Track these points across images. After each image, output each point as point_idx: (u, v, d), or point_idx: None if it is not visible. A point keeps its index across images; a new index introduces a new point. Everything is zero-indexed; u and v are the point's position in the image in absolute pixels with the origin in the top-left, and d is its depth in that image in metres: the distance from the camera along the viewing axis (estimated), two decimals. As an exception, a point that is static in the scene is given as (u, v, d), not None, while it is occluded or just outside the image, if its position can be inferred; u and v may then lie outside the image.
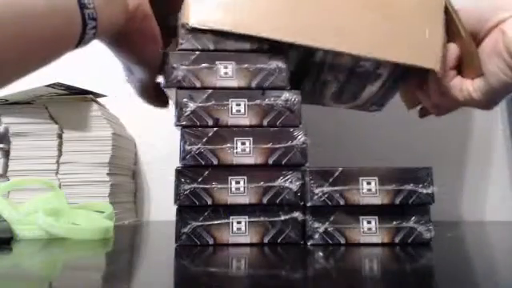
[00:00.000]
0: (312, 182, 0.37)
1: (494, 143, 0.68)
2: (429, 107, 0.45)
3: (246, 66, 0.38)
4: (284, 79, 0.38)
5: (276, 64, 0.38)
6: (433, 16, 0.40)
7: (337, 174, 0.37)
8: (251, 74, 0.38)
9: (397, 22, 0.39)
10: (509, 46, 0.37)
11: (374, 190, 0.37)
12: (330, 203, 0.37)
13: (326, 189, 0.37)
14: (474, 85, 0.40)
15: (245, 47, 0.38)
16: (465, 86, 0.41)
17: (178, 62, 0.38)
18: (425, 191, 0.37)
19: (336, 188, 0.37)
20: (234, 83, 0.38)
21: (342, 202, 0.37)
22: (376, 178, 0.37)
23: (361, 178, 0.37)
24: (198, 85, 0.38)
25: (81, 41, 0.29)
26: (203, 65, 0.38)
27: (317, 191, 0.37)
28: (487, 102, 0.41)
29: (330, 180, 0.37)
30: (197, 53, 0.38)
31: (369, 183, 0.37)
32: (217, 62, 0.38)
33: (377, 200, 0.37)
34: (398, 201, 0.37)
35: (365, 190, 0.37)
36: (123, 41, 0.35)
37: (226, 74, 0.38)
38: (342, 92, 0.49)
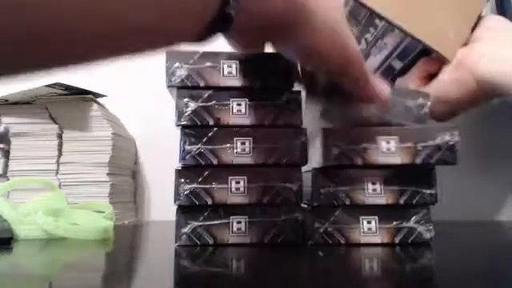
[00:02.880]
0: (318, 181, 0.37)
1: (493, 142, 0.68)
2: None
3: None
4: (288, 78, 0.38)
5: (280, 63, 0.38)
6: (467, 16, 0.41)
7: (342, 174, 0.37)
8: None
9: (434, 7, 0.40)
10: (473, 67, 0.36)
11: (378, 190, 0.37)
12: (335, 203, 0.37)
13: (331, 189, 0.37)
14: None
15: None
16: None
17: (182, 60, 0.38)
18: (428, 191, 0.37)
19: (341, 188, 0.37)
20: (237, 82, 0.38)
21: (347, 202, 0.37)
22: (381, 179, 0.37)
23: (366, 179, 0.37)
24: (202, 84, 0.38)
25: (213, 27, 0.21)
26: (207, 64, 0.38)
27: (322, 191, 0.37)
28: (440, 112, 0.41)
29: (336, 180, 0.37)
30: (200, 52, 0.38)
31: (374, 183, 0.37)
32: (221, 61, 0.38)
33: (381, 200, 0.37)
34: (402, 201, 0.37)
35: (370, 191, 0.37)
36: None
37: (230, 73, 0.38)
38: None
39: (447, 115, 0.42)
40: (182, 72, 0.38)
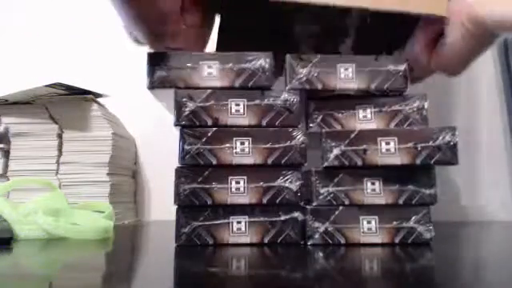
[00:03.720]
0: (317, 182, 0.37)
1: (494, 143, 0.68)
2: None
3: (229, 65, 0.38)
4: (268, 79, 0.38)
5: (259, 63, 0.38)
6: None
7: (341, 174, 0.37)
8: (235, 73, 0.38)
9: None
10: (469, 12, 0.35)
11: (378, 190, 0.37)
12: (334, 203, 0.37)
13: (331, 189, 0.37)
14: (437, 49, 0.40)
15: None
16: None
17: (162, 62, 0.38)
18: (428, 191, 0.37)
19: (341, 188, 0.37)
20: (217, 83, 0.38)
21: (346, 202, 0.37)
22: (380, 179, 0.37)
23: (365, 179, 0.37)
24: (182, 85, 0.38)
25: None
26: (187, 65, 0.38)
27: (322, 191, 0.37)
28: (454, 68, 0.40)
29: (335, 180, 0.37)
30: (181, 53, 0.38)
31: (373, 183, 0.37)
32: (200, 62, 0.38)
33: (381, 200, 0.37)
34: (401, 201, 0.37)
35: (369, 190, 0.37)
36: None
37: (210, 73, 0.38)
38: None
39: (462, 68, 0.41)
40: (162, 73, 0.38)
